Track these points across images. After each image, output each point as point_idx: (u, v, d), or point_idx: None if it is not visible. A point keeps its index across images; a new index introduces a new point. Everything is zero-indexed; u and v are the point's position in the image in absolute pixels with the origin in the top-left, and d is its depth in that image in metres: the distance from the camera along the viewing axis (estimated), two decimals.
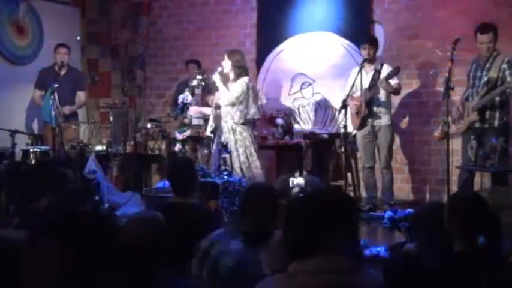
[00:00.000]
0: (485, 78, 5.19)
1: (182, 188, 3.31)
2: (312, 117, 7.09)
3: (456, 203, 2.39)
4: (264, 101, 7.05)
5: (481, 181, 5.28)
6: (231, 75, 5.65)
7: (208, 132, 5.84)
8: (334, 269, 1.74)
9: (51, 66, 6.66)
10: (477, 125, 5.16)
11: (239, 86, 5.58)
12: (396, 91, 5.99)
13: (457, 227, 2.27)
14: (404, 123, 6.64)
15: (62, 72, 6.56)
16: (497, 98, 5.16)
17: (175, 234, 2.74)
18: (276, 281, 1.80)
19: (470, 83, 5.39)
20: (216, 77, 5.63)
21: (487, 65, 5.23)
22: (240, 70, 5.62)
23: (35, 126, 6.94)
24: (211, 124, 5.80)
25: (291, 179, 3.19)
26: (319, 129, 6.97)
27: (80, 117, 6.99)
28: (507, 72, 5.12)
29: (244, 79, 5.62)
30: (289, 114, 7.11)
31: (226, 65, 5.63)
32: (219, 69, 5.64)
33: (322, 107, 7.05)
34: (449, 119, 5.05)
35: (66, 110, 6.45)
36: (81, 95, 6.86)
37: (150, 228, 2.15)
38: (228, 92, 5.57)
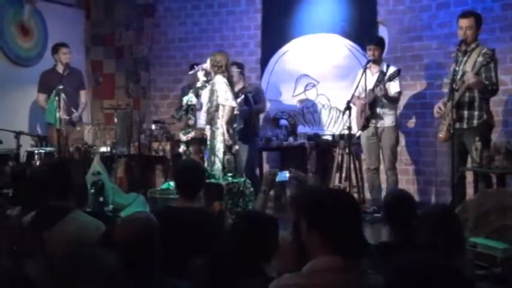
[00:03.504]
0: (461, 73, 4.96)
1: (189, 192, 3.27)
2: (316, 119, 7.10)
3: (385, 199, 2.90)
4: (268, 105, 7.02)
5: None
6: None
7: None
8: (348, 267, 1.78)
9: (52, 68, 6.58)
10: (457, 125, 4.85)
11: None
12: (394, 99, 5.93)
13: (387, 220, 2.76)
14: (409, 124, 6.63)
15: (66, 73, 6.48)
16: (476, 95, 4.94)
17: (180, 238, 2.75)
18: (293, 279, 1.81)
19: (450, 78, 5.05)
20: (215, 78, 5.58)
21: (465, 58, 4.99)
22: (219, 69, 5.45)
23: (39, 128, 6.92)
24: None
25: (278, 173, 3.22)
26: (323, 131, 6.98)
27: (84, 119, 7.00)
28: (482, 69, 4.83)
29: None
30: (293, 116, 7.12)
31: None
32: (205, 65, 5.56)
33: (326, 108, 7.05)
34: (454, 115, 4.87)
35: (75, 117, 6.41)
36: (82, 95, 6.77)
37: (142, 228, 2.18)
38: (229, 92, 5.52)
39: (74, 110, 6.42)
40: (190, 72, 5.85)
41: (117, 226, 2.27)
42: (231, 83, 5.51)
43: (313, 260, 1.80)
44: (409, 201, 2.89)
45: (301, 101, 7.18)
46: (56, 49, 6.56)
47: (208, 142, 5.46)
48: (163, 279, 2.12)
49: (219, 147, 5.38)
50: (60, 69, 6.50)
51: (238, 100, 5.97)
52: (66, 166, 3.06)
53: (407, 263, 1.72)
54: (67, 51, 6.53)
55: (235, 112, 5.51)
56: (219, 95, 5.35)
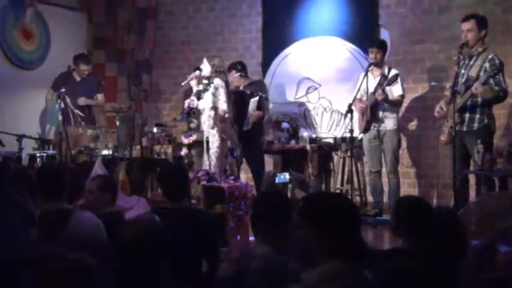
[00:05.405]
0: (466, 77, 4.94)
1: (174, 193, 3.30)
2: (318, 122, 7.09)
3: (400, 207, 2.72)
4: (271, 105, 7.06)
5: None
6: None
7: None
8: (354, 269, 1.79)
9: (69, 71, 6.75)
10: (457, 127, 4.84)
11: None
12: (396, 103, 5.93)
13: (403, 228, 2.61)
14: (410, 127, 6.63)
15: (78, 79, 6.68)
16: (479, 99, 4.92)
17: (181, 238, 2.75)
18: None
19: (452, 80, 5.01)
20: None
21: (471, 62, 4.96)
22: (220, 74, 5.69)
23: (40, 131, 6.93)
24: None
25: (277, 174, 3.22)
26: (325, 134, 6.97)
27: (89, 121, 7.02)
28: (489, 75, 4.80)
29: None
30: (295, 119, 7.11)
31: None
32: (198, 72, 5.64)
33: (328, 111, 7.05)
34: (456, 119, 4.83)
35: (81, 101, 6.56)
36: (98, 97, 6.97)
37: (148, 231, 2.19)
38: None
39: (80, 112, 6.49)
40: (183, 83, 5.86)
41: (123, 227, 2.27)
42: (227, 86, 5.66)
43: (321, 266, 1.80)
44: (427, 211, 2.66)
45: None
46: (76, 62, 6.73)
47: (210, 145, 5.49)
48: (169, 280, 2.13)
49: (219, 149, 5.42)
50: (76, 77, 6.71)
51: (253, 100, 5.98)
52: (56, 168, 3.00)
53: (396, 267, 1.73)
54: (86, 68, 6.73)
55: (227, 114, 5.59)
56: (220, 99, 5.44)
